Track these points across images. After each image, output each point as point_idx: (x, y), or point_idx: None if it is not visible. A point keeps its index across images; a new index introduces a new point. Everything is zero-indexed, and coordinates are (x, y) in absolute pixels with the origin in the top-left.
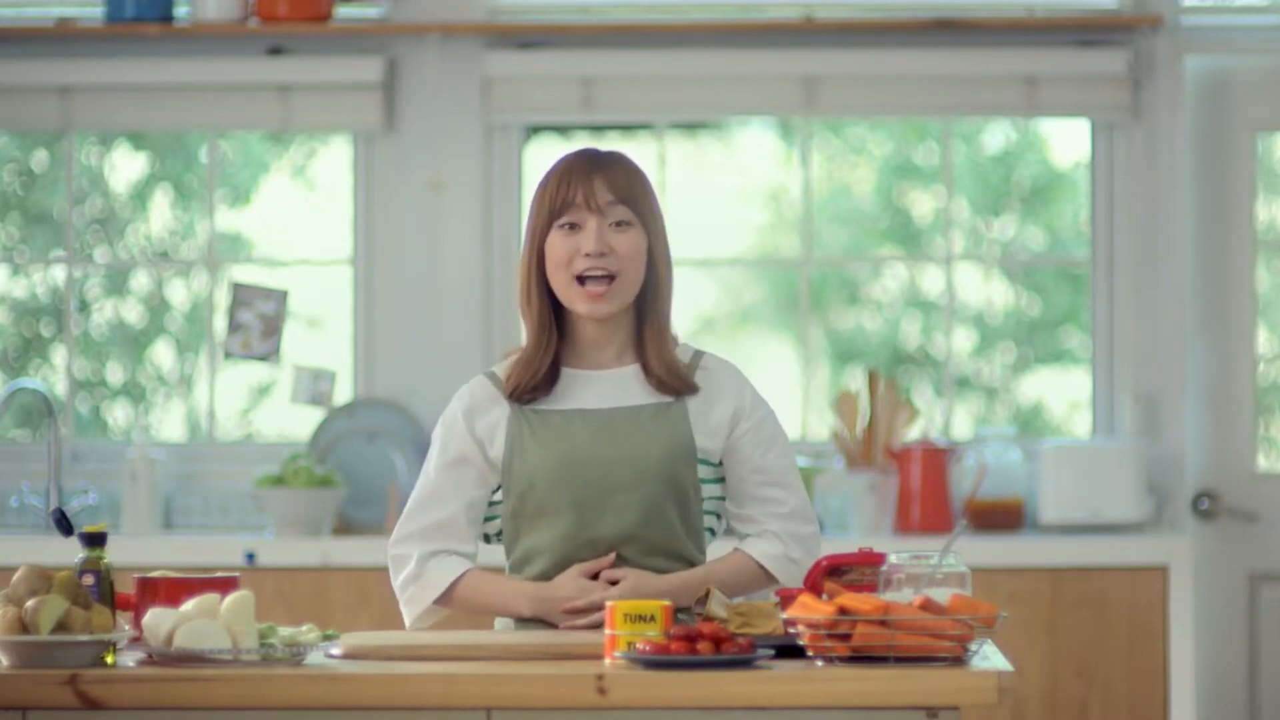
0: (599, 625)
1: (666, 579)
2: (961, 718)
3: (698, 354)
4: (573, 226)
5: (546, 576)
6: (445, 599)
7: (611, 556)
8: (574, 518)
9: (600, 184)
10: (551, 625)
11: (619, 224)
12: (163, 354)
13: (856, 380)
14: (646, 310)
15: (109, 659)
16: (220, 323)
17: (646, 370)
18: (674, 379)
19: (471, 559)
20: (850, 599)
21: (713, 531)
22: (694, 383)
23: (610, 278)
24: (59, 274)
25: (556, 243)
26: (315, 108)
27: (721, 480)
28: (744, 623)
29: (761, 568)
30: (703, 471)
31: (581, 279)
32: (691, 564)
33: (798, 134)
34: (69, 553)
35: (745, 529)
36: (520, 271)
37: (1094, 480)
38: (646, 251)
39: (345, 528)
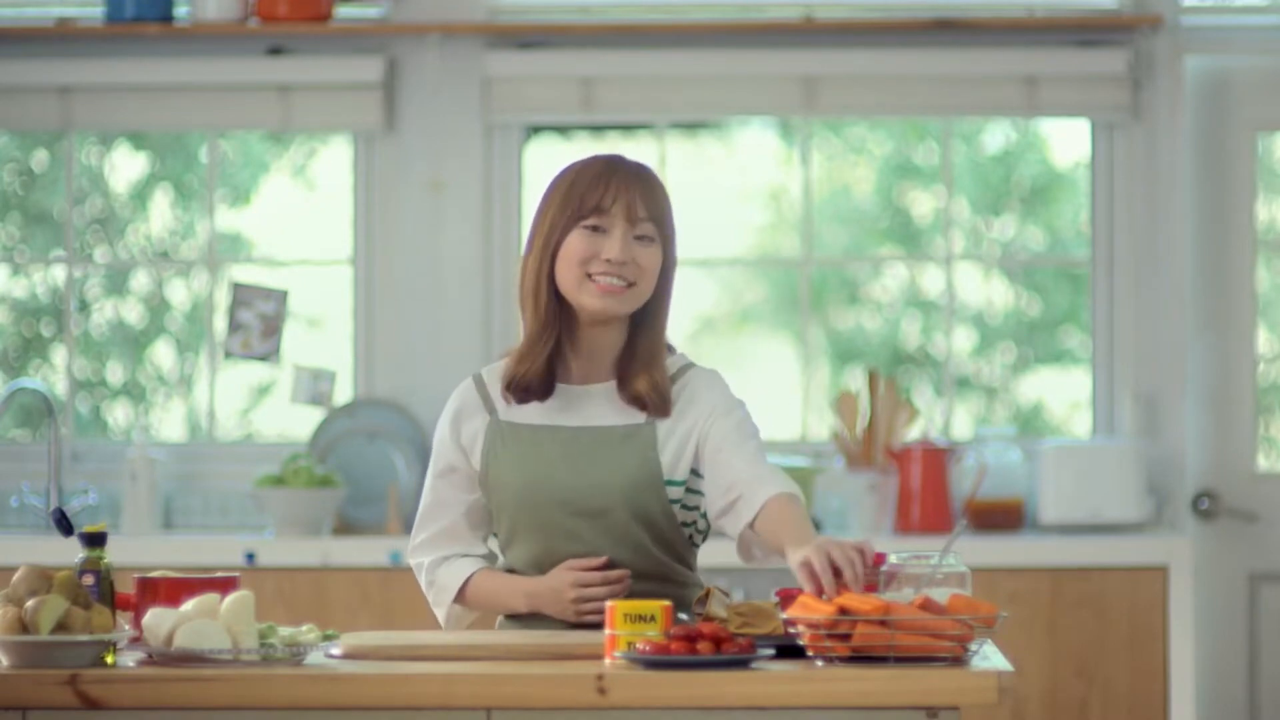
0: (603, 604)
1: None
2: (961, 718)
3: (684, 368)
4: (597, 229)
5: None
6: (460, 601)
7: (604, 559)
8: (544, 542)
9: (639, 198)
10: (547, 621)
11: (643, 238)
12: (163, 354)
13: (856, 380)
14: (643, 324)
15: (109, 659)
16: (220, 323)
17: (623, 384)
18: (655, 397)
19: (485, 559)
20: (850, 599)
21: (694, 542)
22: (669, 404)
23: (628, 284)
24: (59, 274)
25: (576, 241)
26: (315, 108)
27: (697, 492)
28: (744, 623)
29: (793, 498)
30: (673, 493)
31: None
32: (679, 581)
33: (798, 134)
34: (69, 553)
35: (744, 493)
36: (528, 267)
37: (1094, 480)
38: (660, 268)
39: (345, 528)
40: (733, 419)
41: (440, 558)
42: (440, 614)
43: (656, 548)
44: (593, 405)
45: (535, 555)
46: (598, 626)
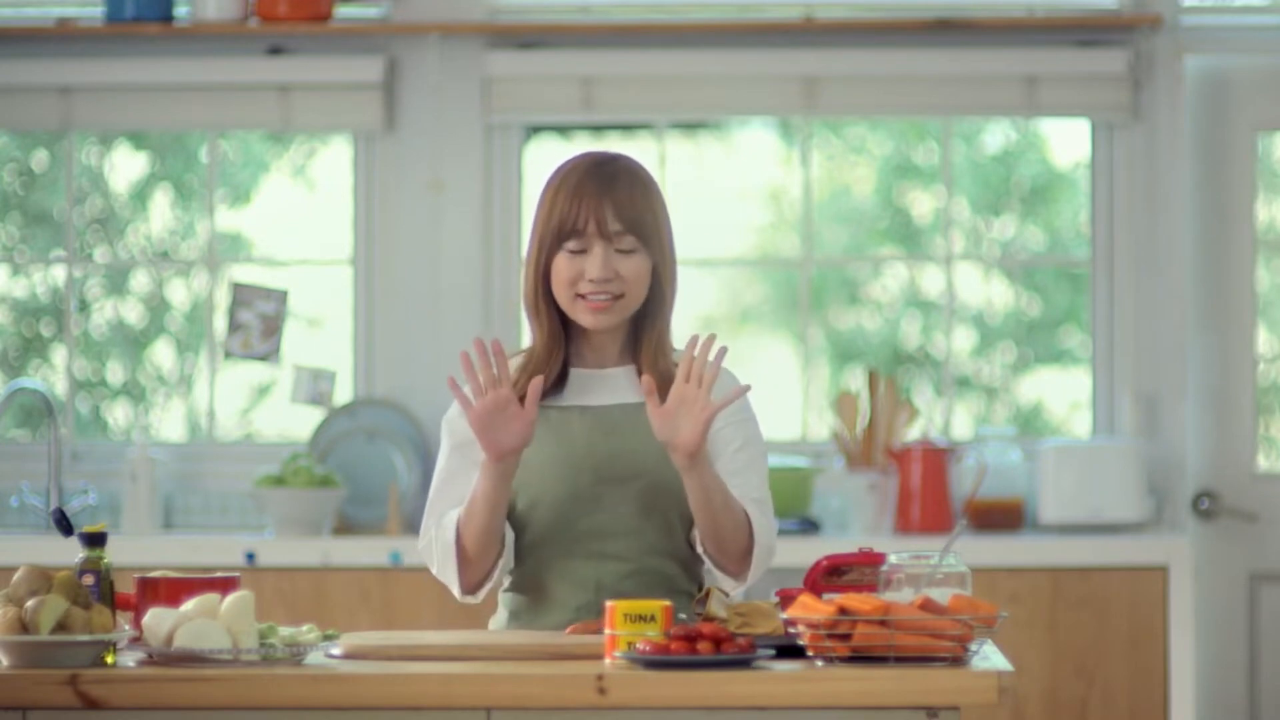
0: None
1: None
2: (961, 718)
3: None
4: (579, 250)
5: (544, 568)
6: (460, 539)
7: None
8: (569, 510)
9: (610, 212)
10: (545, 621)
11: (625, 250)
12: (163, 354)
13: (856, 380)
14: (646, 321)
15: (109, 659)
16: (220, 323)
17: (640, 373)
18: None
19: None
20: (850, 599)
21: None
22: None
23: (614, 296)
24: (59, 274)
25: (562, 264)
26: (315, 108)
27: None
28: (744, 623)
29: (748, 523)
30: None
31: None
32: (689, 566)
33: (798, 134)
34: (69, 553)
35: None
36: (528, 278)
37: (1094, 480)
38: (651, 270)
39: (345, 528)
40: (743, 434)
41: (438, 519)
42: (449, 567)
43: (680, 524)
44: (615, 386)
45: (554, 525)
46: None
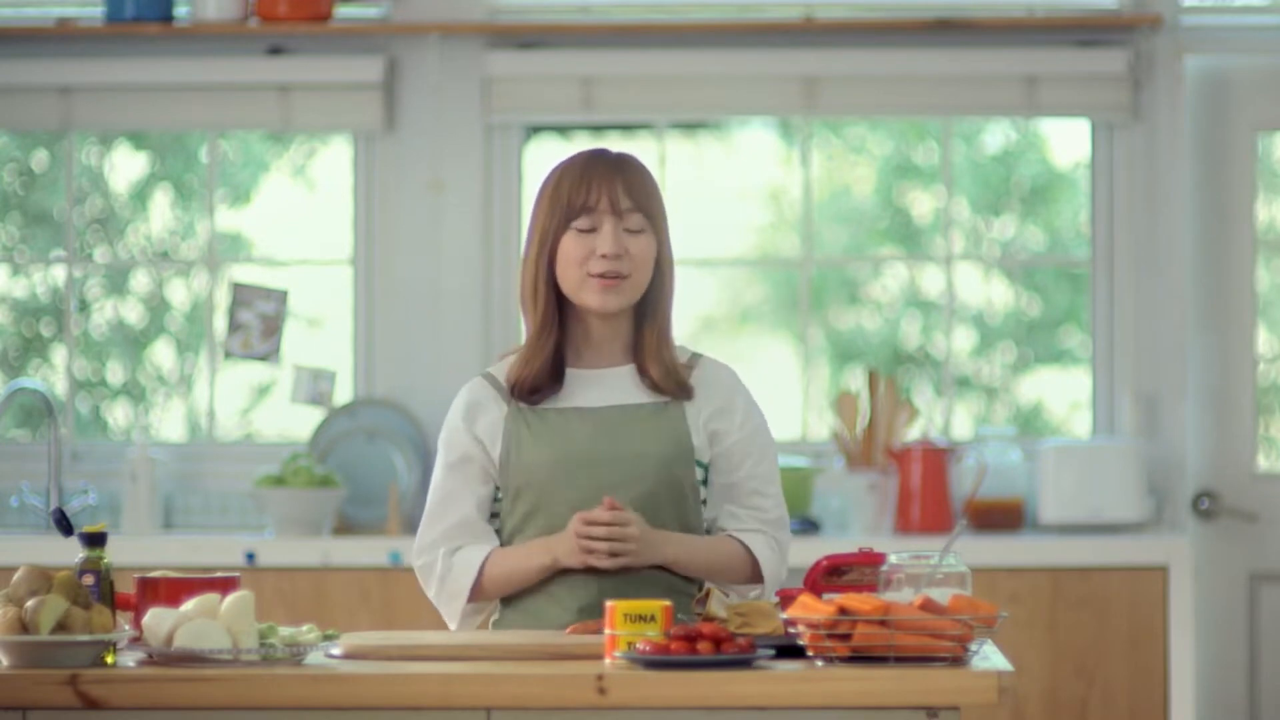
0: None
1: (669, 538)
2: (961, 718)
3: (695, 356)
4: (589, 229)
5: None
6: (478, 588)
7: (609, 501)
8: (570, 513)
9: (621, 189)
10: (547, 621)
11: (633, 230)
12: (163, 354)
13: (856, 380)
14: (648, 312)
15: (109, 659)
16: (220, 323)
17: (642, 371)
18: (670, 383)
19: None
20: (850, 599)
21: (710, 533)
22: (690, 387)
23: (623, 276)
24: (59, 274)
25: (570, 243)
26: (315, 108)
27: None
28: (744, 623)
29: (754, 561)
30: (699, 474)
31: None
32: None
33: (798, 134)
34: (69, 553)
35: (730, 525)
36: (526, 269)
37: (1094, 480)
38: (655, 257)
39: (345, 528)
40: (759, 445)
41: (455, 548)
42: (454, 607)
43: (680, 527)
44: (614, 386)
45: (556, 528)
46: (607, 576)
